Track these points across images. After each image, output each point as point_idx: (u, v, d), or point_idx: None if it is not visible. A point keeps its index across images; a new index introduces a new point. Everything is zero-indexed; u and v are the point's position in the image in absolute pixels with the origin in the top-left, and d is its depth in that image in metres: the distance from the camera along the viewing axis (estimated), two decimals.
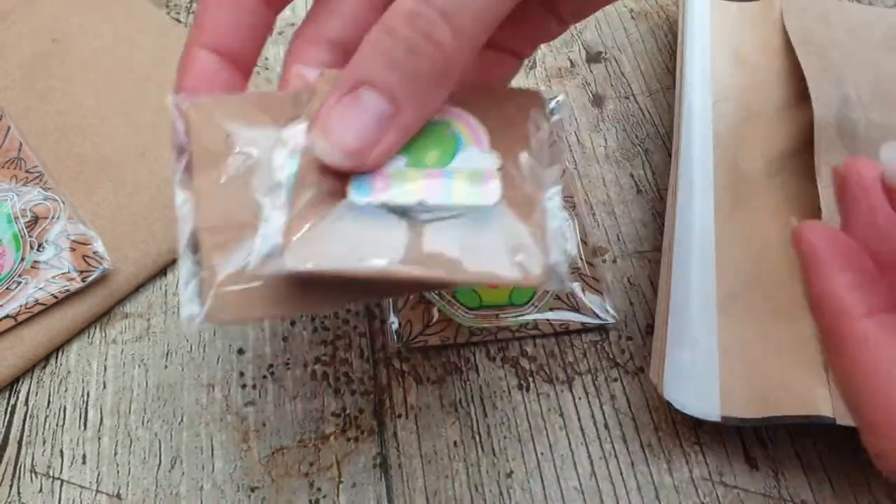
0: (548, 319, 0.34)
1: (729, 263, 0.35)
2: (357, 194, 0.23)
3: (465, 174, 0.23)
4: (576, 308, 0.35)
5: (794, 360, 0.32)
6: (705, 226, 0.36)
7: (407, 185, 0.23)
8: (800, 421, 0.30)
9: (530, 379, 0.34)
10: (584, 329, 0.35)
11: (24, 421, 0.32)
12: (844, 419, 0.30)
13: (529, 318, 0.34)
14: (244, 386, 0.33)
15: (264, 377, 0.34)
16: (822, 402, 0.30)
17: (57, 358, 0.34)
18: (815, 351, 0.32)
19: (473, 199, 0.22)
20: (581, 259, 0.36)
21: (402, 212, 0.22)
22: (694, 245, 0.35)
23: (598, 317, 0.35)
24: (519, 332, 0.34)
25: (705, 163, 0.38)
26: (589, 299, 0.35)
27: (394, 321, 0.35)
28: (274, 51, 0.46)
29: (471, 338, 0.34)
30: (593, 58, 0.46)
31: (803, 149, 0.38)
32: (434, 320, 0.34)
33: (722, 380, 0.31)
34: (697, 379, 0.31)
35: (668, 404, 0.30)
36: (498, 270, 0.21)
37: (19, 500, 0.30)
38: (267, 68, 0.45)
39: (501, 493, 0.31)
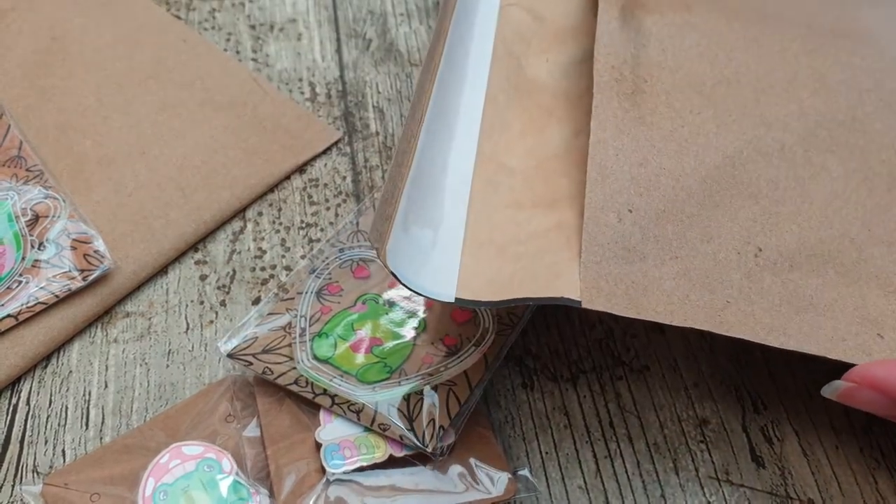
0: (377, 411, 0.29)
1: (492, 155, 0.32)
2: (332, 466, 0.28)
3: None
4: (410, 427, 0.29)
5: (545, 245, 0.29)
6: (471, 116, 0.33)
7: (372, 446, 0.28)
8: (543, 302, 0.27)
9: (535, 377, 0.33)
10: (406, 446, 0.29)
11: (26, 421, 0.32)
12: (592, 303, 0.26)
13: (361, 400, 0.29)
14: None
15: None
16: (569, 285, 0.27)
17: (58, 357, 0.34)
18: (570, 237, 0.29)
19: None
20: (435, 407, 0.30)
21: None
22: (457, 131, 0.32)
23: (416, 445, 0.28)
24: (337, 405, 0.30)
25: (481, 56, 0.34)
26: (418, 425, 0.29)
27: (247, 325, 0.32)
28: (275, 47, 0.45)
29: (291, 384, 0.30)
30: None
31: (591, 58, 0.35)
32: (279, 348, 0.31)
33: (464, 261, 0.28)
34: (435, 257, 0.28)
35: None
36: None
37: (21, 500, 0.30)
38: (268, 65, 0.45)
39: None
